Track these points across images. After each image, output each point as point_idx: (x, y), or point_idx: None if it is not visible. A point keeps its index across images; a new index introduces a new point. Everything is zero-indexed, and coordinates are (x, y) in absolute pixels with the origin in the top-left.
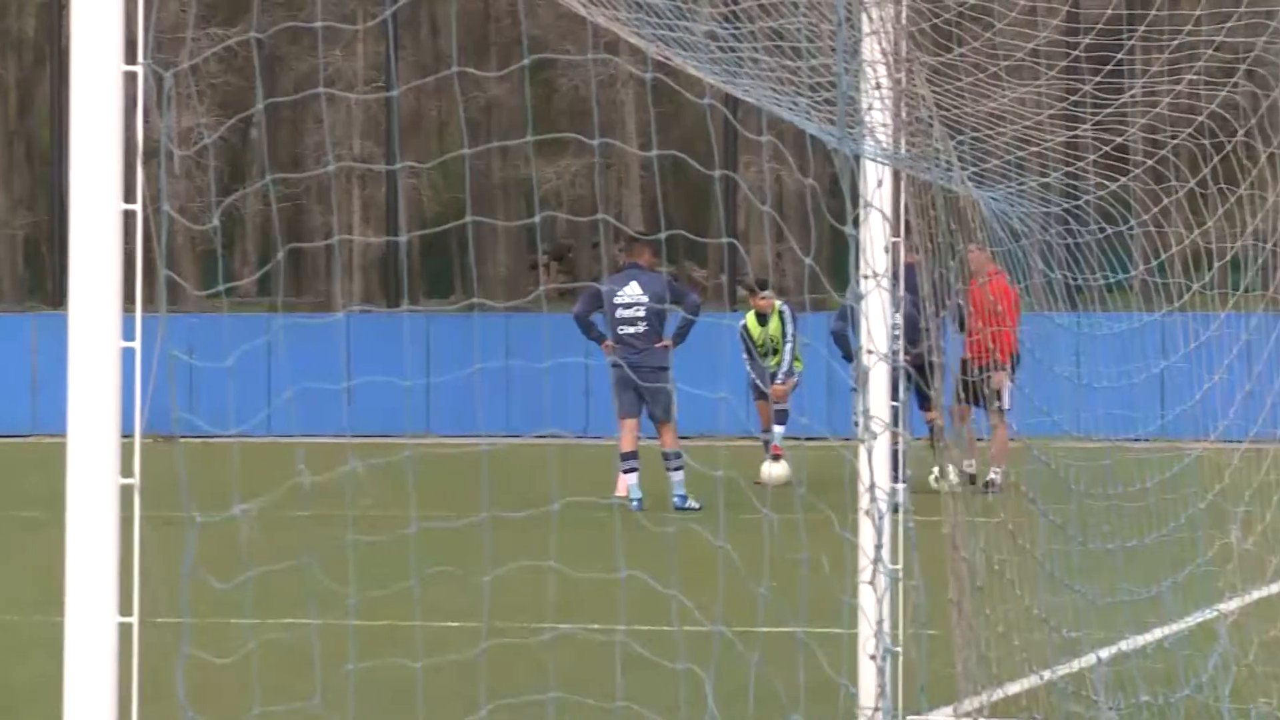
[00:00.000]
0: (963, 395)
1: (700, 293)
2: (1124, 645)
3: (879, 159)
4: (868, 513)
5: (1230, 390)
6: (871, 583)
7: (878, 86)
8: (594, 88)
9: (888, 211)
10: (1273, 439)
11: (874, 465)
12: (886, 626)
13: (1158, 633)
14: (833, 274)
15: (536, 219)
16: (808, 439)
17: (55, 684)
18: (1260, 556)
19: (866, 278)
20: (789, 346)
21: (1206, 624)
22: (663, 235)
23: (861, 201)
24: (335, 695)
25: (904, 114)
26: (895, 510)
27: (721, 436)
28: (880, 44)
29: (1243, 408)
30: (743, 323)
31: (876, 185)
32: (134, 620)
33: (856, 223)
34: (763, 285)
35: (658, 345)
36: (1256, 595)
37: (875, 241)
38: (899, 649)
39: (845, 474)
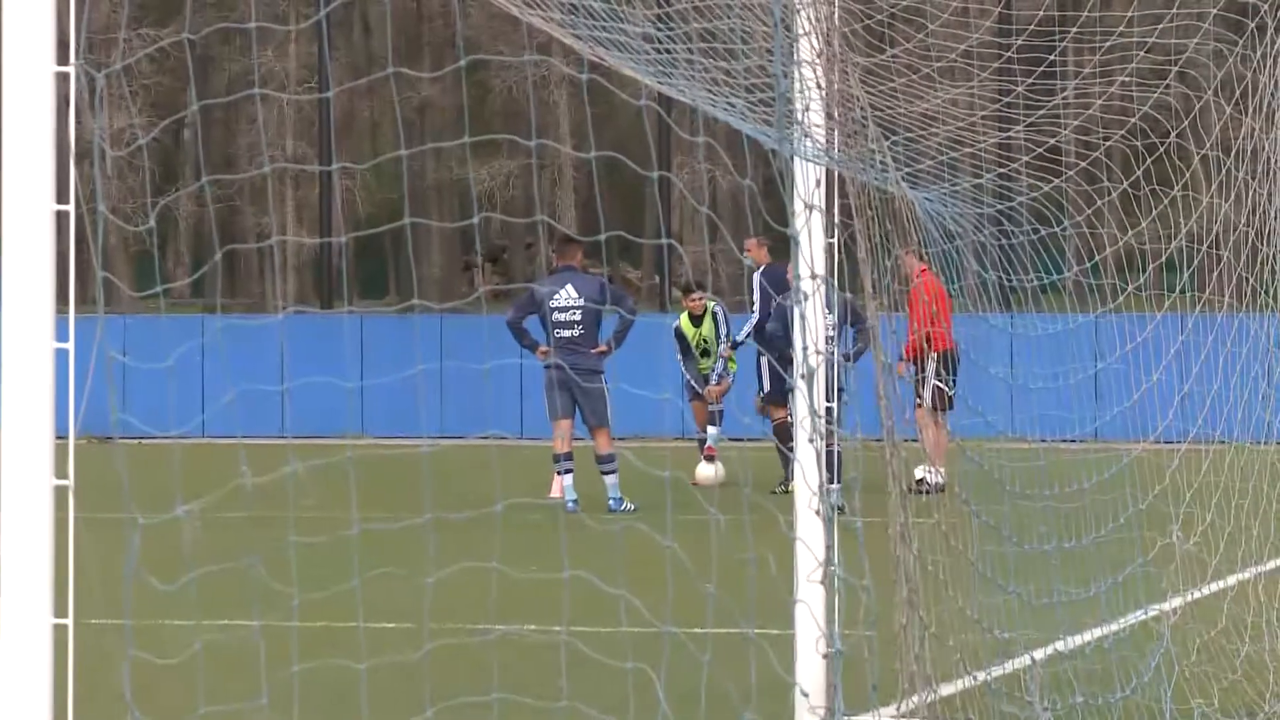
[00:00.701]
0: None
1: (635, 294)
2: (1060, 646)
3: (816, 160)
4: (816, 512)
5: (1168, 392)
6: (822, 582)
7: (816, 87)
8: (530, 88)
9: (817, 214)
10: (1211, 440)
11: (817, 466)
12: (832, 629)
13: (1096, 633)
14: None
15: (476, 220)
16: (750, 440)
17: None
18: (1200, 557)
19: (807, 279)
20: (722, 347)
21: (1147, 624)
22: (602, 237)
23: (808, 201)
24: (279, 696)
25: (839, 115)
26: (835, 510)
27: (663, 438)
28: (814, 45)
29: (1180, 409)
30: (676, 323)
31: (815, 185)
32: (69, 622)
33: (800, 225)
34: (692, 287)
35: (594, 351)
36: (1197, 595)
37: (816, 242)
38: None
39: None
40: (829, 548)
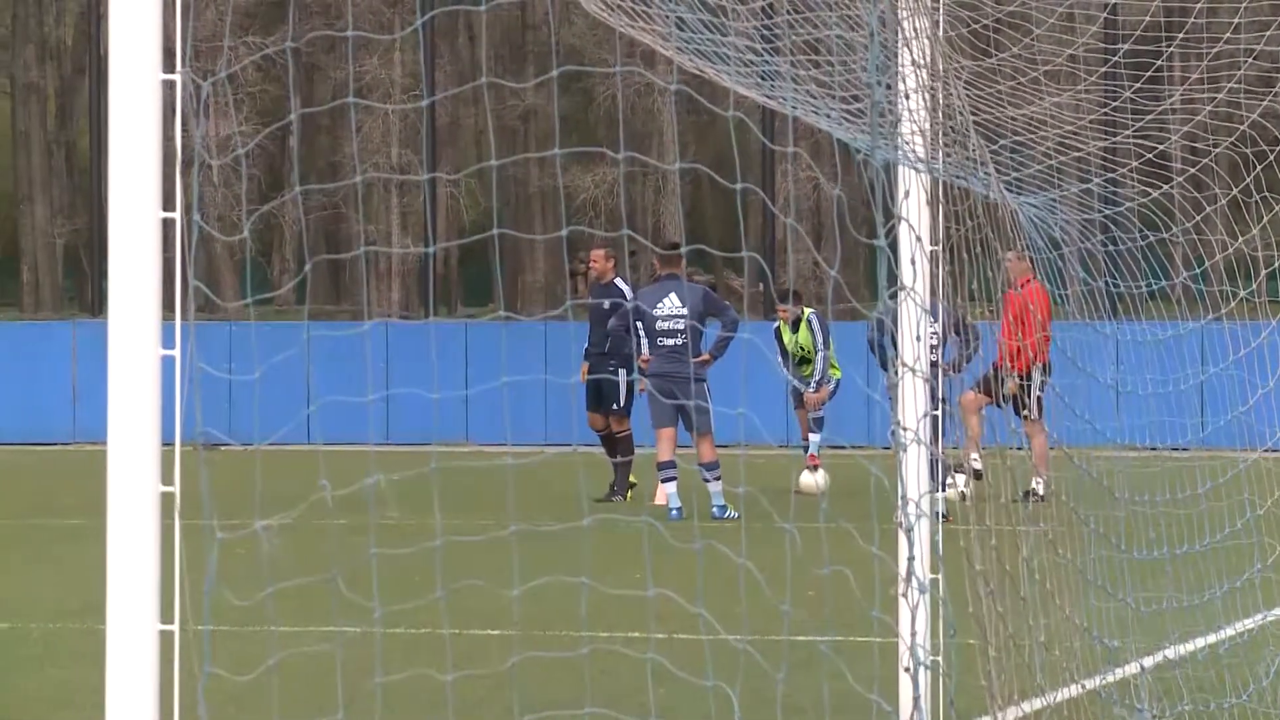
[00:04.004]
0: (987, 392)
1: (737, 301)
2: (1169, 653)
3: (912, 167)
4: (899, 524)
5: (1277, 400)
6: (904, 595)
7: (908, 96)
8: (620, 99)
9: (915, 222)
10: None
11: (905, 476)
12: (922, 640)
13: (1208, 639)
14: (870, 282)
15: (564, 233)
16: (848, 448)
17: (89, 692)
18: None
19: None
20: (821, 355)
21: (1265, 630)
22: (684, 249)
23: (895, 211)
24: (371, 707)
25: (937, 123)
26: (939, 519)
27: (766, 446)
28: (913, 54)
29: None
30: (776, 325)
31: (904, 196)
32: (175, 628)
33: (889, 234)
34: (783, 297)
35: (696, 360)
36: None
37: (904, 252)
38: (935, 659)
39: (871, 484)
40: (911, 559)
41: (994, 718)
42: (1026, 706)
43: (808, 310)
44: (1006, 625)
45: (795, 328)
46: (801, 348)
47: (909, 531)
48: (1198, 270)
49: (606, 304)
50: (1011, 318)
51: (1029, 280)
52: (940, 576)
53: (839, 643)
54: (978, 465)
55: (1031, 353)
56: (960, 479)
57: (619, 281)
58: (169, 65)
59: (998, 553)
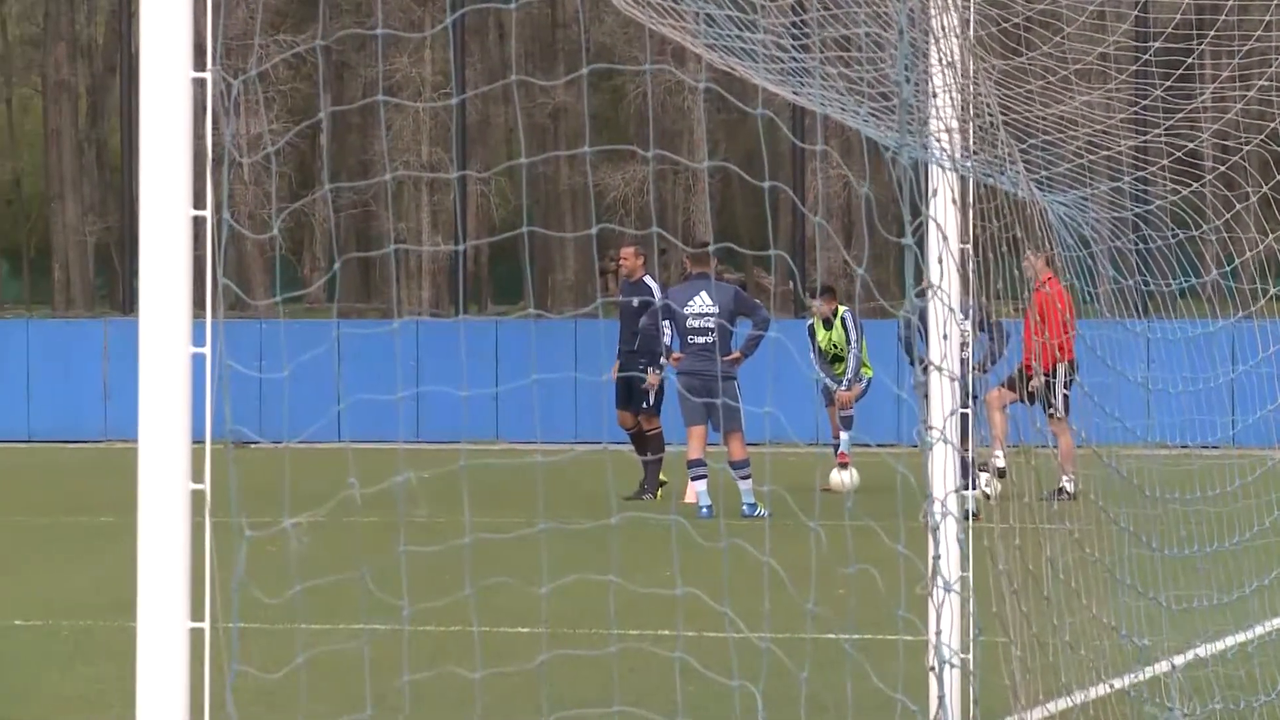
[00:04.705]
0: (1013, 389)
1: (767, 299)
2: (1200, 651)
3: (939, 165)
4: (924, 521)
5: None
6: (929, 594)
7: (936, 94)
8: (650, 97)
9: (943, 221)
10: None
11: (931, 475)
12: (946, 638)
13: (1239, 637)
14: (900, 280)
15: (594, 231)
16: (873, 446)
17: (119, 689)
18: None
19: (925, 288)
20: (854, 352)
21: None
22: (711, 247)
23: (922, 210)
24: (392, 704)
25: (966, 121)
26: (967, 517)
27: (794, 444)
28: (941, 52)
29: None
30: (810, 323)
31: (932, 194)
32: (205, 625)
33: (916, 232)
34: (818, 293)
35: (727, 358)
36: None
37: (932, 250)
38: (966, 656)
39: (898, 483)
40: (936, 558)
41: (1018, 718)
42: (1052, 706)
43: (842, 308)
44: (1031, 625)
45: (829, 324)
46: (835, 345)
47: (935, 530)
48: (1228, 268)
49: (635, 302)
50: (1036, 316)
51: (1050, 279)
52: (969, 575)
53: (866, 641)
54: (1000, 463)
55: (1057, 351)
56: (984, 477)
57: (648, 279)
58: (200, 63)
59: (1021, 552)
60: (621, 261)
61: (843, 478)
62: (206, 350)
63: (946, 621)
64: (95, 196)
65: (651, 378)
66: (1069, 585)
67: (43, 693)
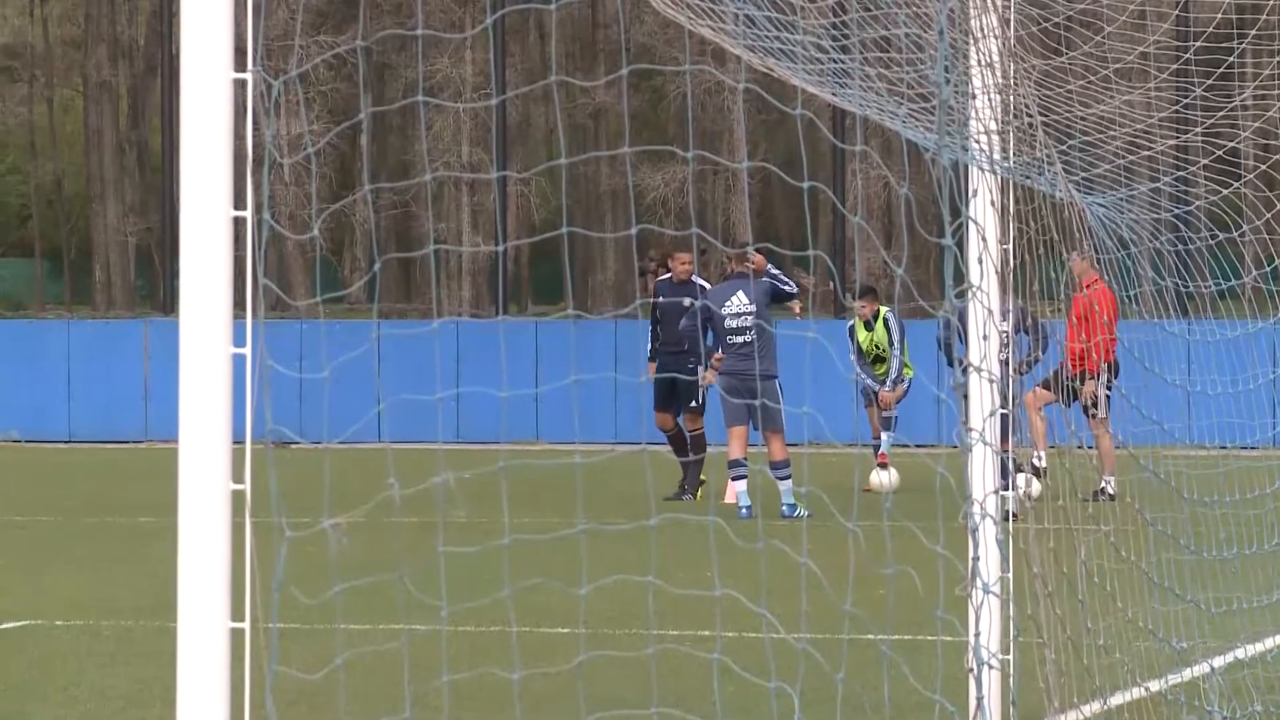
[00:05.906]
0: (1051, 390)
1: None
2: (1240, 654)
3: (978, 166)
4: (963, 523)
5: None
6: (968, 595)
7: (975, 95)
8: (690, 98)
9: (983, 221)
10: None
11: (971, 476)
12: (985, 640)
13: (1278, 640)
14: (941, 281)
15: (634, 231)
16: (912, 446)
17: (160, 689)
18: None
19: (964, 289)
20: (895, 353)
21: None
22: (750, 248)
23: (962, 210)
24: (432, 705)
25: (1006, 121)
26: (1006, 519)
27: (834, 445)
28: (980, 53)
29: None
30: (851, 324)
31: (972, 195)
32: (245, 626)
33: (956, 233)
34: (860, 293)
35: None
36: None
37: (972, 251)
38: (1005, 658)
39: (936, 484)
40: (975, 559)
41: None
42: (1087, 710)
43: (884, 308)
44: (1065, 627)
45: (870, 326)
46: (877, 345)
47: (974, 531)
48: (1268, 269)
49: (686, 302)
50: (1075, 319)
51: (1094, 281)
52: (1009, 576)
53: (904, 642)
54: (1041, 463)
55: (1096, 353)
56: (1022, 478)
57: (698, 279)
58: (240, 64)
59: (1055, 554)
60: (683, 264)
61: (882, 478)
62: (247, 351)
63: (985, 623)
64: (136, 197)
65: (707, 375)
66: (1104, 588)
67: (84, 692)
